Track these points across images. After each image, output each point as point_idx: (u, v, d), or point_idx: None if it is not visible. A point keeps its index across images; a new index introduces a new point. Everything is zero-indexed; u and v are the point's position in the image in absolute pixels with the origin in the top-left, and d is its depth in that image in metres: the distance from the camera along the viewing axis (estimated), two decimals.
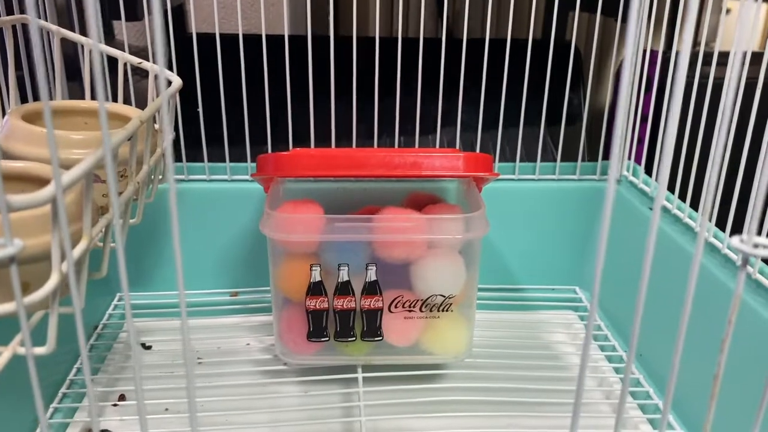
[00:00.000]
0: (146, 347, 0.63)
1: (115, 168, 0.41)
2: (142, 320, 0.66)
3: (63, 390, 0.55)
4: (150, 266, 0.68)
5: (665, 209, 0.59)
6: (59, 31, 0.55)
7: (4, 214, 0.24)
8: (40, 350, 0.31)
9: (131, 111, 0.52)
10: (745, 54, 0.49)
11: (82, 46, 0.56)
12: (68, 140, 0.45)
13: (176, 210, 0.23)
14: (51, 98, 0.61)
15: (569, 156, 0.70)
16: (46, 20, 0.61)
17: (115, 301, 0.68)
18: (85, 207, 0.35)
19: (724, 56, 0.55)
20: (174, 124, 0.60)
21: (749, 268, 0.48)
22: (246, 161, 0.67)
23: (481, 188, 0.58)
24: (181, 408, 0.54)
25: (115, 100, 0.58)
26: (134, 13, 0.70)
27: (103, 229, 0.40)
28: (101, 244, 0.44)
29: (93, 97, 0.57)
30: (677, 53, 0.59)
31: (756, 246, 0.25)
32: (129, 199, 0.44)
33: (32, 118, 0.48)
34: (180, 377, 0.58)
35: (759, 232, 0.24)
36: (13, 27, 0.53)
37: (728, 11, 0.64)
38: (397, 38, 0.62)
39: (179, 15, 0.96)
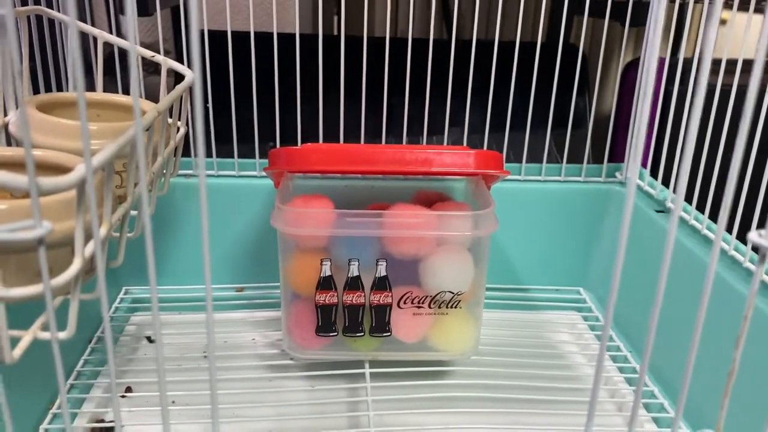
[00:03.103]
0: (151, 341, 0.63)
1: (131, 159, 0.42)
2: (148, 314, 0.67)
3: (71, 381, 0.55)
4: (157, 259, 0.68)
5: (671, 211, 0.60)
6: (74, 23, 0.55)
7: (34, 197, 0.24)
8: (61, 335, 0.31)
9: (144, 104, 0.52)
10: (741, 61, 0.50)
11: (95, 38, 0.56)
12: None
13: (206, 204, 0.23)
14: (65, 90, 0.61)
15: (574, 158, 0.71)
16: (59, 11, 0.61)
17: (121, 294, 0.68)
18: (105, 195, 0.35)
19: (732, 64, 0.55)
20: (186, 119, 0.60)
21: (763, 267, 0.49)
22: (254, 157, 0.67)
23: (490, 187, 0.59)
24: (188, 400, 0.54)
25: (126, 93, 0.58)
26: (145, 9, 0.71)
27: (120, 219, 0.40)
28: (115, 234, 0.44)
29: (105, 90, 0.57)
30: (697, 69, 0.60)
31: None
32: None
33: (46, 108, 0.48)
34: (186, 370, 0.58)
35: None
36: (27, 17, 0.54)
37: (724, 22, 0.64)
38: (400, 38, 0.62)
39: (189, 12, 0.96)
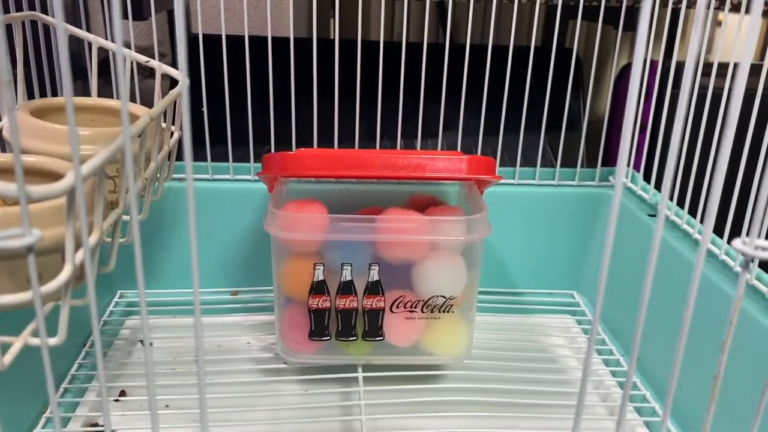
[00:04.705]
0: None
1: (124, 164, 0.42)
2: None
3: (65, 385, 0.55)
4: (150, 264, 0.69)
5: (658, 211, 0.60)
6: (67, 28, 0.55)
7: (23, 205, 0.24)
8: (52, 341, 0.31)
9: (138, 108, 0.52)
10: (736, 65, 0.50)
11: (89, 44, 0.56)
12: None
13: (194, 208, 0.23)
14: (58, 95, 0.62)
15: (568, 162, 0.71)
16: (54, 16, 0.62)
17: (115, 298, 0.68)
18: (97, 201, 0.35)
19: (722, 68, 0.56)
20: (179, 124, 0.60)
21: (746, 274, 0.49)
22: (249, 161, 0.67)
23: (483, 191, 0.59)
24: (182, 405, 0.55)
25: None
26: (140, 13, 0.71)
27: (112, 224, 0.41)
28: (108, 239, 0.44)
29: (99, 95, 0.57)
30: (678, 73, 0.60)
31: (757, 248, 0.25)
32: (137, 195, 0.45)
33: (40, 114, 0.48)
34: (180, 374, 0.58)
35: (759, 235, 0.24)
36: (22, 23, 0.54)
37: (720, 23, 0.64)
38: (396, 42, 0.63)
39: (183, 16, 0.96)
